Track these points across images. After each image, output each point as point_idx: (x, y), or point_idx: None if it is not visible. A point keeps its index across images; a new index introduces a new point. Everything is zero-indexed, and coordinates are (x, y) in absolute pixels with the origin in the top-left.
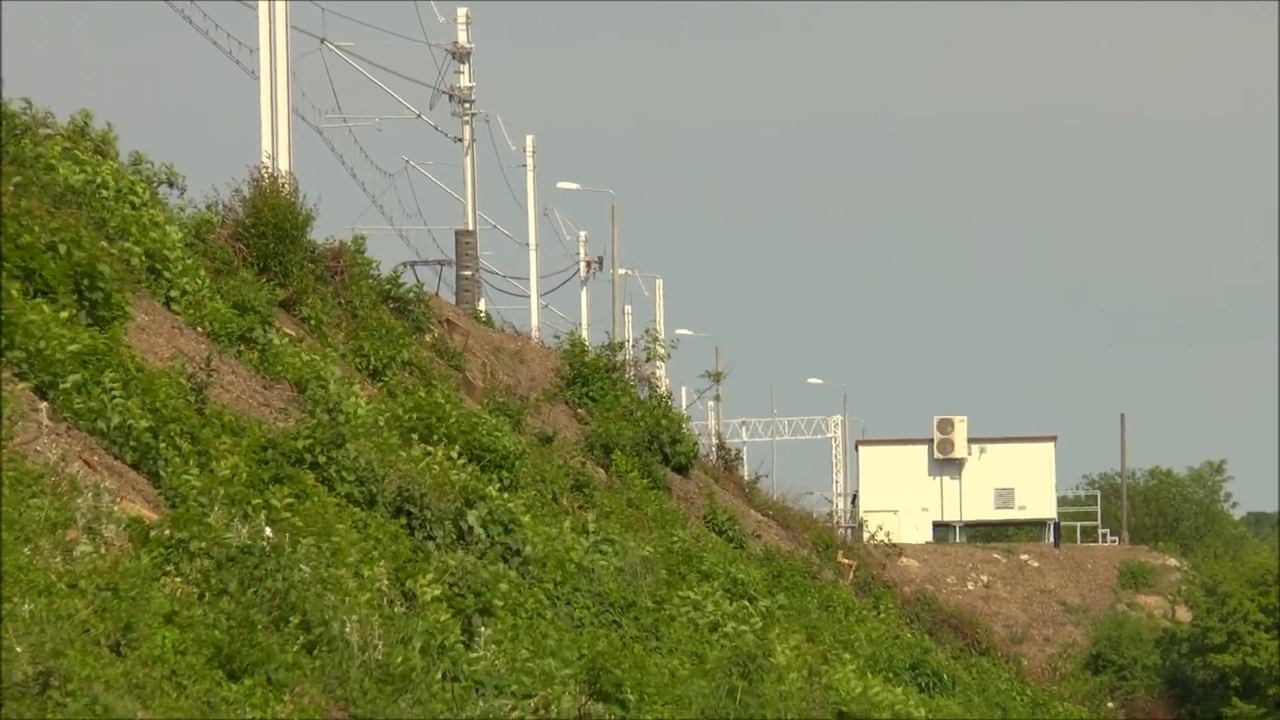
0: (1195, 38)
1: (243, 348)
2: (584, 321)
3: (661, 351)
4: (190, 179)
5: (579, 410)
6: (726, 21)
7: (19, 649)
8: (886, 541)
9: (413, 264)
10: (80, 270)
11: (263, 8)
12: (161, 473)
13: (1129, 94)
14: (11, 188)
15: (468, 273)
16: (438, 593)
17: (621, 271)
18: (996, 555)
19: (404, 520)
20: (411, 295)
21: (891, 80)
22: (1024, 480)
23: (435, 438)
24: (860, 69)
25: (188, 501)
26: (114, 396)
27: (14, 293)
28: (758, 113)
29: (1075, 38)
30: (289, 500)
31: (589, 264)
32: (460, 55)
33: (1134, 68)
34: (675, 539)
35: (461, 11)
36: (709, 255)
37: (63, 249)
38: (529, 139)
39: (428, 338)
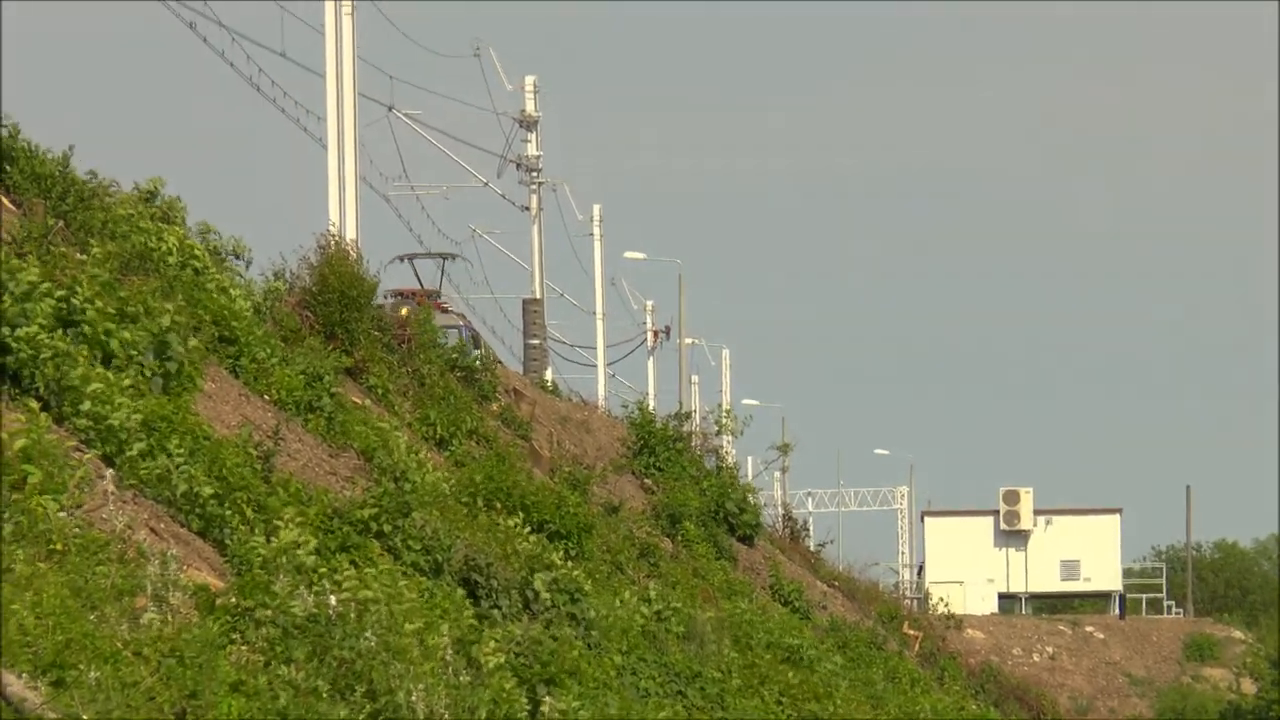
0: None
1: (309, 415)
2: (651, 391)
3: (733, 426)
4: (256, 244)
5: (645, 480)
6: (786, 87)
7: (85, 717)
8: (948, 613)
9: (411, 257)
10: (149, 338)
11: (331, 75)
12: (227, 541)
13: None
14: (78, 253)
15: (535, 342)
16: (502, 661)
17: (688, 341)
18: (1062, 627)
19: (470, 589)
20: (478, 364)
21: (946, 148)
22: (1089, 552)
23: (502, 507)
24: (918, 133)
25: (254, 569)
26: (180, 464)
27: (81, 359)
28: (820, 180)
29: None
30: (355, 569)
31: (656, 333)
32: (528, 124)
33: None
34: (740, 609)
35: (529, 80)
36: (775, 324)
37: (131, 315)
38: (596, 208)
39: (494, 406)
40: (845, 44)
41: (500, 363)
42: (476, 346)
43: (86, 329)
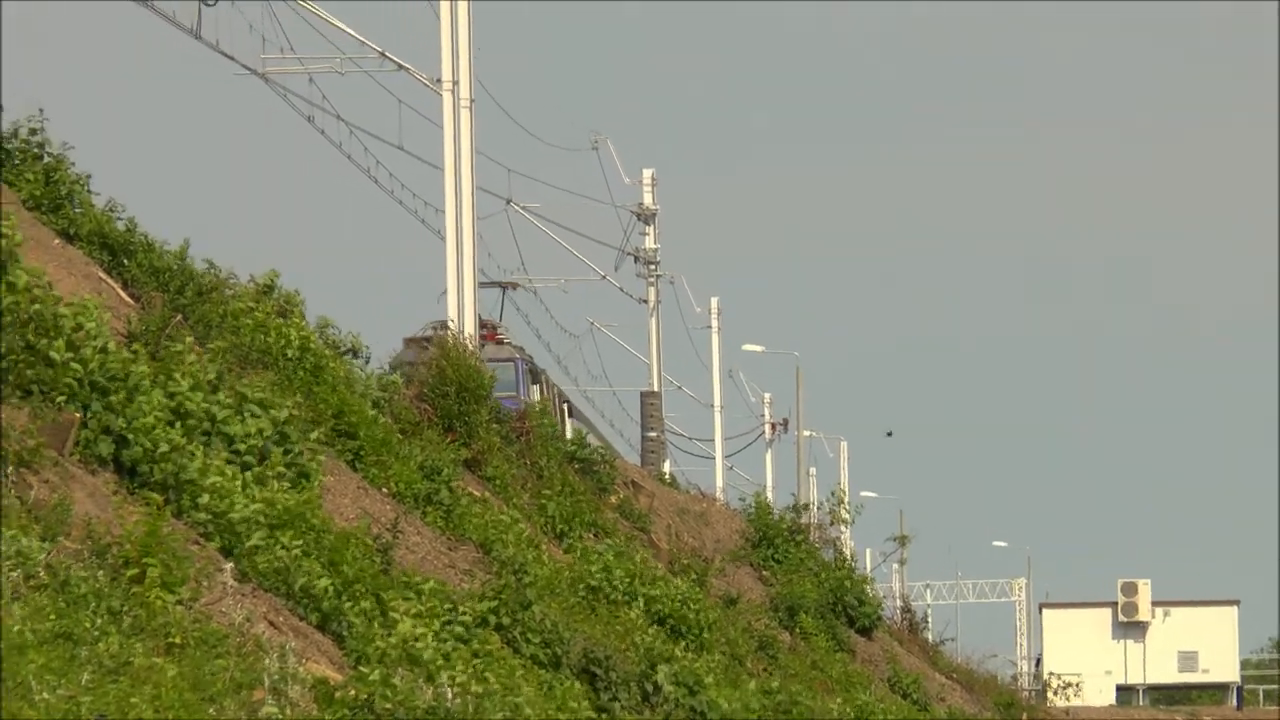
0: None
1: (428, 508)
2: (769, 483)
3: (846, 515)
4: (372, 335)
5: (763, 572)
6: (896, 176)
7: None
8: (1065, 683)
9: None
10: (268, 430)
11: (449, 169)
12: (346, 634)
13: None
14: (197, 346)
15: (653, 434)
16: None
17: (806, 433)
18: (1180, 718)
19: (590, 681)
20: (597, 457)
21: (1068, 230)
22: (1207, 643)
23: (621, 600)
24: (1036, 213)
25: (372, 662)
26: (298, 557)
27: (198, 453)
28: (929, 278)
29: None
30: (474, 662)
31: (774, 426)
32: (645, 217)
33: None
34: (859, 701)
35: (647, 173)
36: (893, 416)
37: (250, 408)
38: (713, 300)
39: (613, 499)
40: (975, 127)
41: (619, 455)
42: (535, 381)
43: (204, 422)
